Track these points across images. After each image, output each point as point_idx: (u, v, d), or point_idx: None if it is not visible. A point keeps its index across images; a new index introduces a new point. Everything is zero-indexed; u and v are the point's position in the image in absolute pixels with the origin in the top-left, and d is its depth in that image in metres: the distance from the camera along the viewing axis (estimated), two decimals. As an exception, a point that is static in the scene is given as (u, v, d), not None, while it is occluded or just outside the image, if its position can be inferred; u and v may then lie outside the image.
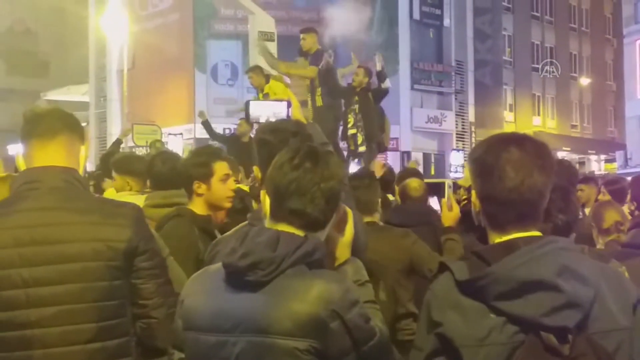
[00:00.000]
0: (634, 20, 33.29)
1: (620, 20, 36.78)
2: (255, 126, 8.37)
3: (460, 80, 28.09)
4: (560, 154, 27.00)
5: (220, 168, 3.42)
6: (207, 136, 10.77)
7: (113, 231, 2.30)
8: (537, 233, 1.80)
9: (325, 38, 11.28)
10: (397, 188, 5.17)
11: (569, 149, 33.07)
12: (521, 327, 1.67)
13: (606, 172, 26.11)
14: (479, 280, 1.70)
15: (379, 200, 4.18)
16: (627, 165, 31.31)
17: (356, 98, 8.80)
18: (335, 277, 1.89)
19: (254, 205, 4.61)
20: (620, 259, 3.14)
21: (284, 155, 1.94)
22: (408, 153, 23.73)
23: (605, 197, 5.73)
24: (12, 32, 34.17)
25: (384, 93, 9.02)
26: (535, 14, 34.93)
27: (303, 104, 8.67)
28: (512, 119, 32.77)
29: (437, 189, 7.74)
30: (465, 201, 4.87)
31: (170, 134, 18.78)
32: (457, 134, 27.62)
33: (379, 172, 5.76)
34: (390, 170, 6.28)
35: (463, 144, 27.28)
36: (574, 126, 37.71)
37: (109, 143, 14.83)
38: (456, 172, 22.28)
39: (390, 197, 5.56)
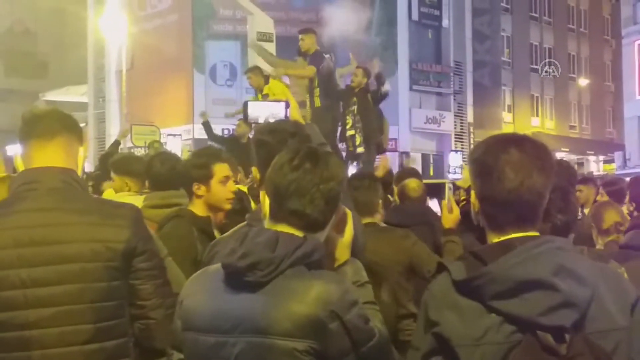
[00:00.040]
0: (633, 21, 33.24)
1: (618, 21, 36.73)
2: (254, 127, 8.35)
3: (459, 81, 28.08)
4: (559, 155, 26.91)
5: (220, 170, 3.41)
6: (206, 137, 10.76)
7: (111, 232, 2.30)
8: (534, 233, 1.80)
9: (324, 38, 11.25)
10: (395, 188, 5.17)
11: (567, 149, 33.09)
12: (518, 326, 1.67)
13: (605, 173, 26.10)
14: (475, 280, 1.71)
15: (380, 201, 4.15)
16: (626, 166, 31.25)
17: (355, 99, 8.78)
18: (334, 277, 1.89)
19: (253, 205, 4.60)
20: (620, 260, 3.14)
21: (284, 156, 1.94)
22: (407, 154, 23.74)
23: (603, 197, 5.74)
24: (12, 33, 34.17)
25: (383, 96, 8.99)
26: (533, 14, 34.97)
27: (302, 104, 8.65)
28: (511, 120, 32.79)
29: (437, 190, 7.71)
30: (464, 202, 4.87)
31: (169, 134, 18.79)
32: (455, 134, 27.62)
33: (380, 173, 5.73)
34: (388, 171, 6.27)
35: (462, 145, 27.29)
36: (572, 127, 37.74)
37: (108, 144, 14.83)
38: (455, 173, 22.27)
39: (390, 197, 5.56)
